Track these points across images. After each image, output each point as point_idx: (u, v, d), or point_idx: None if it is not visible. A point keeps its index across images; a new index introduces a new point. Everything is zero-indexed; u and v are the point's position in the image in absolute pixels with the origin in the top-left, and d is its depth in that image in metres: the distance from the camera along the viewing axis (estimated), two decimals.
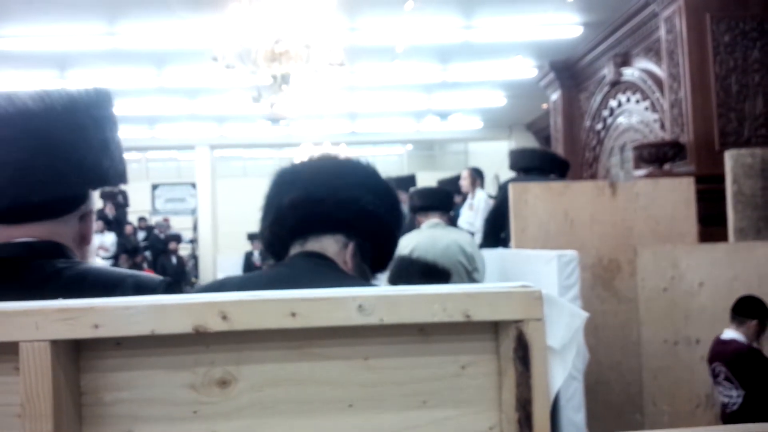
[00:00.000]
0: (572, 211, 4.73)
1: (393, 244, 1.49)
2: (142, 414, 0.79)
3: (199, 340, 0.79)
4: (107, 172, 1.20)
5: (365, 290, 0.82)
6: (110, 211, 12.06)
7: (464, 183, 5.78)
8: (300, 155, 10.94)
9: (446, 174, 16.63)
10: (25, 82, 8.69)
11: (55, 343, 0.74)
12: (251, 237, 12.46)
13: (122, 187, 12.78)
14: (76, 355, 0.78)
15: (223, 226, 13.56)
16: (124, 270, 1.20)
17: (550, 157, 5.29)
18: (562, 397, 3.52)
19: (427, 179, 15.80)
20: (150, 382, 0.79)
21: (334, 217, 1.40)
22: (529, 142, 11.89)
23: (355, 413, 0.80)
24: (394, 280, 4.34)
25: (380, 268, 1.49)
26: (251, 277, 1.49)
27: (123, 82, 8.60)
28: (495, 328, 0.83)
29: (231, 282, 1.43)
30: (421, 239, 4.62)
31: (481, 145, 14.07)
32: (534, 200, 4.74)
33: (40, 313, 0.74)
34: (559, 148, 8.63)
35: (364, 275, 1.43)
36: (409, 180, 8.05)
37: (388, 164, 17.58)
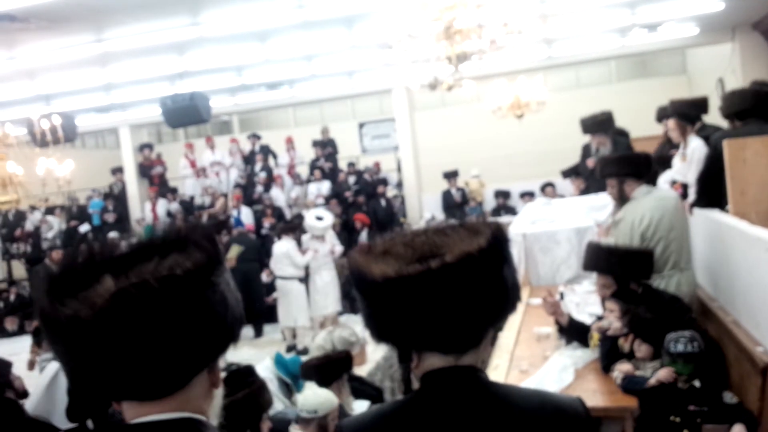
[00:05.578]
0: None
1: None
2: None
3: None
4: (232, 330, 1.20)
5: None
6: (325, 165, 12.86)
7: (673, 135, 5.20)
8: (494, 90, 10.66)
9: (660, 82, 15.21)
10: (229, 59, 9.40)
11: None
12: (447, 175, 12.53)
13: (330, 133, 13.55)
14: None
15: (425, 160, 13.74)
16: None
17: None
18: None
19: (639, 89, 14.63)
20: None
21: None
22: (757, 44, 10.37)
23: None
24: (589, 268, 4.16)
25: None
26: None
27: (316, 46, 8.97)
28: None
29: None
30: (649, 206, 4.28)
31: (701, 48, 12.57)
32: (754, 158, 4.19)
33: None
34: None
35: None
36: (606, 121, 7.43)
37: (594, 78, 16.44)
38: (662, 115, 6.51)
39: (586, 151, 7.64)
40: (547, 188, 10.95)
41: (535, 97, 10.12)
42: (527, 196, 11.27)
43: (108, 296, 1.06)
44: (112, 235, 12.14)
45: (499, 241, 1.35)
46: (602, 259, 3.94)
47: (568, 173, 8.25)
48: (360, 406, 4.21)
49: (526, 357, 4.06)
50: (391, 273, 1.29)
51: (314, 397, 3.63)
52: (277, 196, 12.41)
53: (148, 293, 1.07)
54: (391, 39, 6.01)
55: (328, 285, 8.64)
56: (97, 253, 1.15)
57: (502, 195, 12.28)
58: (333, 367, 4.04)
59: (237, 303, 1.22)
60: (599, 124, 6.95)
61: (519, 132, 12.52)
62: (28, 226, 13.57)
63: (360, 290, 1.37)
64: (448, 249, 1.32)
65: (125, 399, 1.17)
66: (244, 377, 3.59)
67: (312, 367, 4.09)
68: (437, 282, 1.27)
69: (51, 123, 8.30)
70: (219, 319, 1.16)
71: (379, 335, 1.39)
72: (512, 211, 11.26)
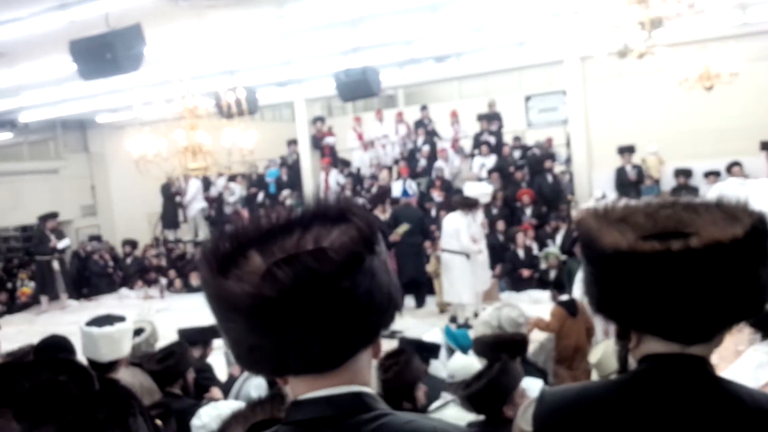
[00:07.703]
0: None
1: None
2: None
3: None
4: (396, 302, 1.19)
5: None
6: (490, 139, 12.71)
7: None
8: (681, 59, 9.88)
9: None
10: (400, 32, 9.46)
11: None
12: (622, 150, 11.80)
13: (497, 106, 13.33)
14: None
15: (597, 135, 13.06)
16: (426, 423, 1.16)
17: None
18: None
19: None
20: None
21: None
22: None
23: None
24: None
25: None
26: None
27: (487, 16, 8.80)
28: None
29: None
30: None
31: None
32: None
33: None
34: None
35: None
36: None
37: None
38: None
39: None
40: (734, 168, 10.03)
41: (727, 68, 9.24)
42: (712, 175, 10.41)
43: (293, 275, 1.04)
44: (288, 202, 12.89)
45: (760, 233, 1.17)
46: None
47: None
48: (532, 384, 4.12)
49: (716, 350, 3.74)
50: (624, 246, 1.17)
51: (454, 363, 4.03)
52: (442, 169, 12.46)
53: (338, 268, 1.05)
54: (575, 5, 5.71)
55: (486, 259, 8.69)
56: (242, 230, 1.14)
57: (683, 174, 11.41)
58: (506, 349, 3.92)
59: (395, 277, 1.19)
60: None
61: (706, 105, 11.53)
62: (213, 191, 14.71)
63: (586, 256, 1.27)
64: (697, 229, 1.17)
65: (297, 373, 1.14)
66: (393, 354, 3.70)
67: (485, 344, 4.05)
68: (675, 266, 1.13)
69: (236, 96, 8.85)
70: (384, 290, 1.13)
71: (598, 307, 1.29)
72: (695, 191, 10.44)
